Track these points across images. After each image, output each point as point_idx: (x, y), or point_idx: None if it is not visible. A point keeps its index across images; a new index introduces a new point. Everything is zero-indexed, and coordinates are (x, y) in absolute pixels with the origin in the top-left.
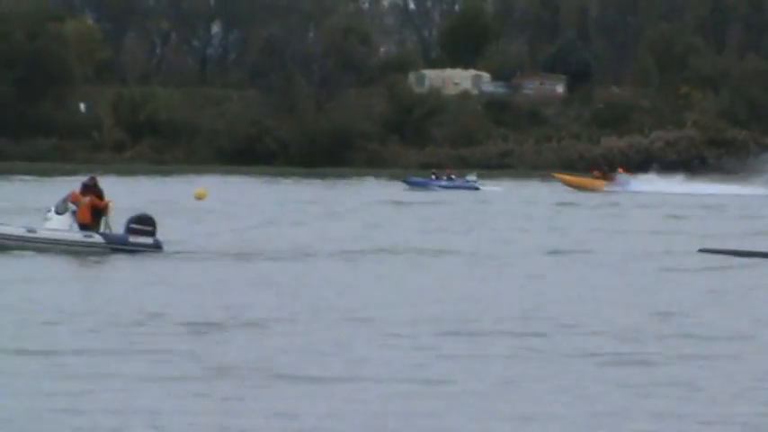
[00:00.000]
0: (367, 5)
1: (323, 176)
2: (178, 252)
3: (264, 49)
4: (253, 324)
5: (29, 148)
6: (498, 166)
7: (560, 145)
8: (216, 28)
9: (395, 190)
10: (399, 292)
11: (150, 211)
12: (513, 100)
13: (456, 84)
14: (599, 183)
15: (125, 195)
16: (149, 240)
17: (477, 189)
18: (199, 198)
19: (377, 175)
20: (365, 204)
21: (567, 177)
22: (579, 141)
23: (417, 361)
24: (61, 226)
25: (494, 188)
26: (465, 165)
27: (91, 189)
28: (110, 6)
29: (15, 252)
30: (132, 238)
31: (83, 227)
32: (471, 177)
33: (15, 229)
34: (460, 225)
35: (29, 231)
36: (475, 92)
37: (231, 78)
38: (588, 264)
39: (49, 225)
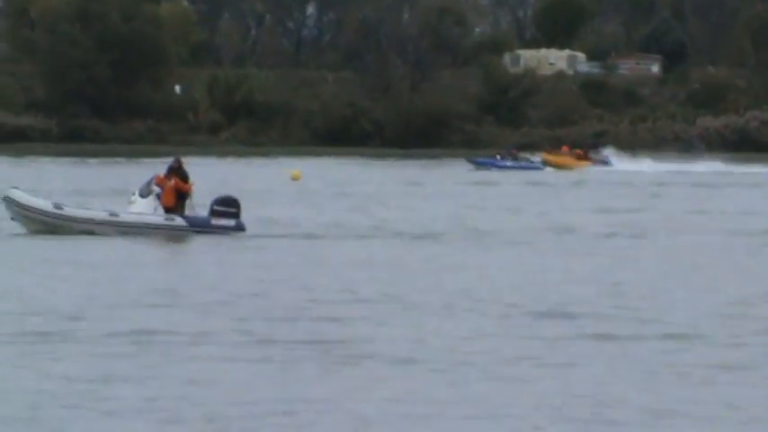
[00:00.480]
0: None
1: (418, 157)
2: (270, 234)
3: (359, 31)
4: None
5: (125, 131)
6: (593, 146)
7: (655, 125)
8: (311, 9)
9: (479, 172)
10: (534, 275)
11: (246, 193)
12: (608, 80)
13: (551, 64)
14: (582, 162)
15: (220, 177)
16: (231, 222)
17: (540, 169)
18: (294, 179)
19: (471, 157)
20: (458, 184)
21: (552, 158)
22: (674, 121)
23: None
24: (145, 209)
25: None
26: (560, 144)
27: (176, 172)
28: None
29: (99, 236)
30: (214, 221)
31: (167, 210)
32: (535, 158)
33: (98, 213)
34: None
35: (111, 215)
36: (570, 72)
37: (326, 60)
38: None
39: (133, 209)
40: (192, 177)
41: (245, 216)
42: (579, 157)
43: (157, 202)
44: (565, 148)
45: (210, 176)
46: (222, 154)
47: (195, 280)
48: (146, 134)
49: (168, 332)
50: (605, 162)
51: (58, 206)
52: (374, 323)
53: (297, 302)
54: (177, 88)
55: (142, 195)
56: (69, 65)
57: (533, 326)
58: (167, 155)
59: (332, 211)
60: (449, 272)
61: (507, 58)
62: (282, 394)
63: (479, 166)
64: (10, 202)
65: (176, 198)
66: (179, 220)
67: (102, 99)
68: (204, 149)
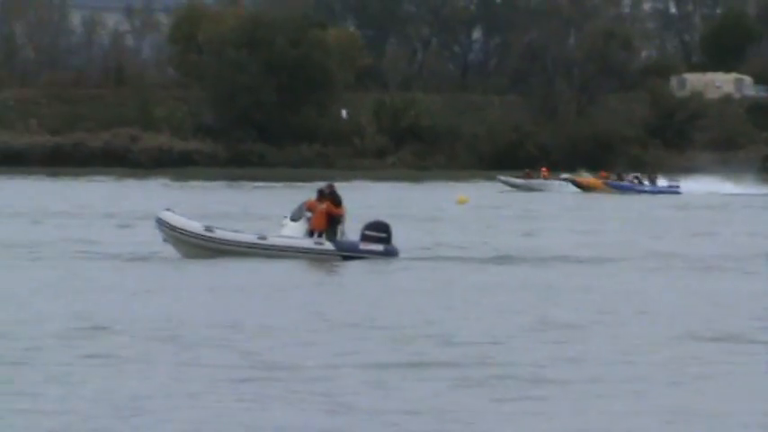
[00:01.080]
0: (628, 10)
1: None
2: (428, 257)
3: (525, 55)
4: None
5: (292, 155)
6: (763, 169)
7: None
8: (477, 33)
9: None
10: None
11: (411, 217)
12: None
13: (718, 87)
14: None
15: (385, 201)
16: (380, 248)
17: (678, 193)
18: (461, 203)
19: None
20: (632, 210)
21: (580, 179)
22: None
23: None
24: (296, 233)
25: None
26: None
27: (327, 196)
28: (371, 13)
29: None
30: (363, 246)
31: (318, 233)
32: (674, 182)
33: (247, 236)
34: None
35: (260, 239)
36: (737, 96)
37: (492, 84)
38: None
39: (283, 232)
40: (348, 202)
41: (410, 239)
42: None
43: (308, 226)
44: (603, 174)
45: (376, 200)
46: (388, 178)
47: (352, 304)
48: (312, 158)
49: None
50: (622, 187)
51: (209, 229)
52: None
53: (477, 329)
54: (343, 113)
55: (293, 219)
56: (236, 89)
57: None
58: (333, 179)
59: (502, 234)
60: (659, 300)
61: (674, 81)
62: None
63: (617, 190)
64: (162, 223)
65: (327, 222)
66: (327, 245)
67: (268, 123)
68: (370, 173)
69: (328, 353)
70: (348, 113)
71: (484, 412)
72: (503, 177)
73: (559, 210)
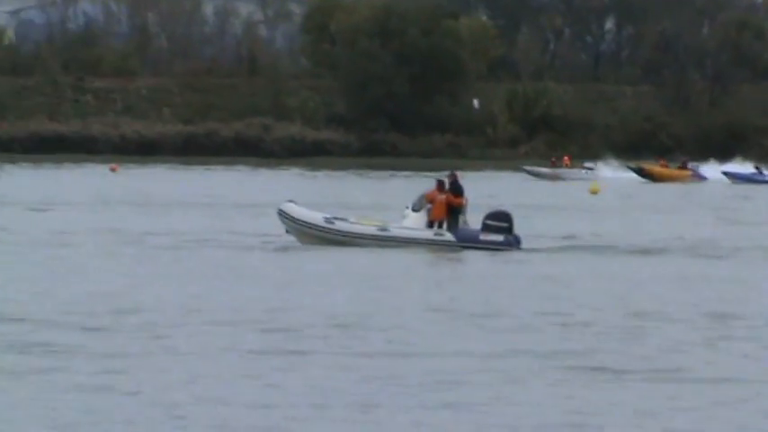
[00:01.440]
0: (761, 0)
1: None
2: (557, 247)
3: (658, 45)
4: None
5: (424, 145)
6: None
7: None
8: (609, 24)
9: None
10: None
11: (543, 207)
12: None
13: None
14: (684, 174)
15: (516, 190)
16: (500, 238)
17: None
18: (593, 193)
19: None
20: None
21: (657, 170)
22: None
23: None
24: (417, 224)
25: None
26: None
27: (449, 186)
28: (503, 3)
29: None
30: (483, 236)
31: (438, 224)
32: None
33: (367, 227)
34: None
35: (381, 230)
36: None
37: (624, 74)
38: None
39: (405, 222)
40: (479, 191)
41: (541, 228)
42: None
43: (427, 217)
44: (662, 163)
45: (508, 190)
46: (521, 168)
47: (476, 295)
48: (444, 148)
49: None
50: (701, 176)
51: (329, 220)
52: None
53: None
54: (475, 102)
55: (414, 210)
56: (368, 80)
57: None
58: (466, 169)
59: (635, 224)
60: None
61: None
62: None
63: (737, 180)
64: (284, 215)
65: (447, 212)
66: (447, 235)
67: (400, 113)
68: (503, 163)
69: (458, 343)
70: (480, 103)
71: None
72: (527, 167)
73: (712, 199)
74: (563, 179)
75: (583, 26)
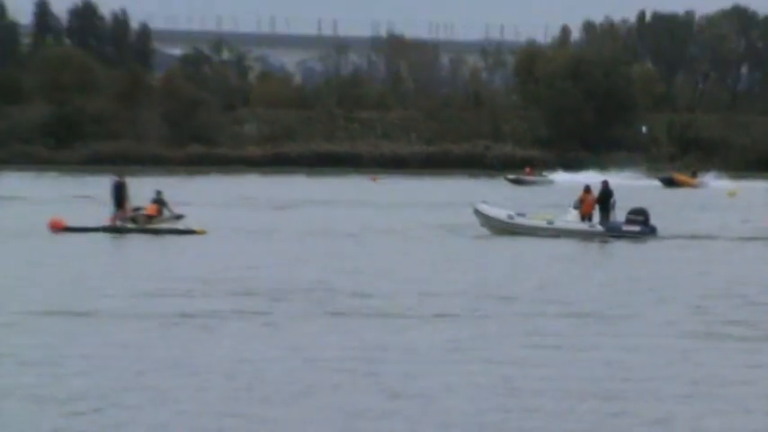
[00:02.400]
0: None
1: None
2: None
3: None
4: None
5: (605, 160)
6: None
7: None
8: (744, 69)
9: None
10: None
11: (685, 206)
12: None
13: None
14: (695, 181)
15: (670, 196)
16: (638, 228)
17: None
18: (731, 196)
19: None
20: None
21: (683, 178)
22: None
23: None
24: (574, 218)
25: None
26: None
27: (601, 190)
28: (664, 54)
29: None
30: (625, 227)
31: (588, 218)
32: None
33: (539, 222)
34: None
35: (548, 223)
36: None
37: (756, 106)
38: None
39: (566, 217)
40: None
41: (681, 224)
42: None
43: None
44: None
45: (661, 195)
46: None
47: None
48: (620, 163)
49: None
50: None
51: (510, 216)
52: None
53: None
54: (644, 128)
55: (575, 208)
56: (564, 111)
57: None
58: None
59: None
60: None
61: None
62: None
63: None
64: (478, 213)
65: (598, 209)
66: (598, 227)
67: (588, 136)
68: (662, 174)
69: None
70: (647, 129)
71: None
72: (509, 176)
73: None
74: (530, 184)
75: (724, 71)
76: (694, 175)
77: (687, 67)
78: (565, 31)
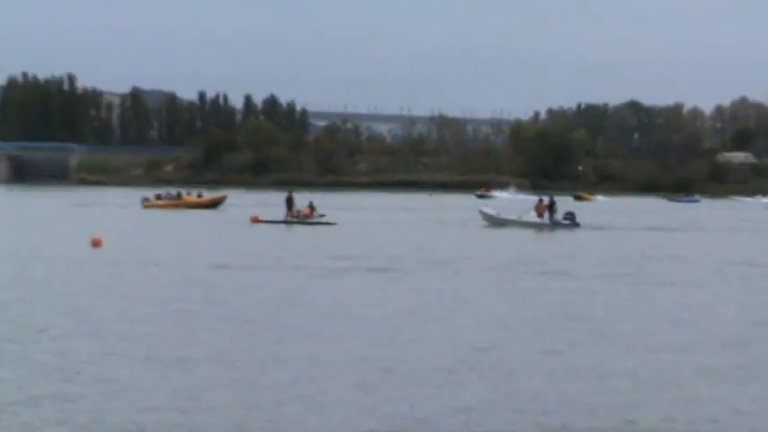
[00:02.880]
0: None
1: None
2: None
3: None
4: None
5: (556, 186)
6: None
7: None
8: None
9: None
10: None
11: None
12: None
13: None
14: (592, 197)
15: None
16: (568, 222)
17: None
18: (627, 205)
19: None
20: None
21: (585, 195)
22: None
23: None
24: (534, 217)
25: None
26: None
27: (549, 201)
28: (593, 126)
29: None
30: (562, 222)
31: (541, 216)
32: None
33: (514, 217)
34: None
35: (518, 218)
36: None
37: None
38: None
39: (529, 216)
40: None
41: (590, 221)
42: None
43: None
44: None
45: (575, 205)
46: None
47: None
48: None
49: None
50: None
51: (498, 214)
52: None
53: None
54: (580, 168)
55: (533, 210)
56: (535, 158)
57: None
58: None
59: None
60: None
61: None
62: None
63: None
64: (482, 213)
65: (546, 212)
66: (547, 221)
67: (548, 171)
68: (575, 192)
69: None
70: (582, 168)
71: None
72: (476, 192)
73: None
74: (489, 198)
75: (624, 135)
76: (592, 193)
77: (604, 133)
78: (536, 114)
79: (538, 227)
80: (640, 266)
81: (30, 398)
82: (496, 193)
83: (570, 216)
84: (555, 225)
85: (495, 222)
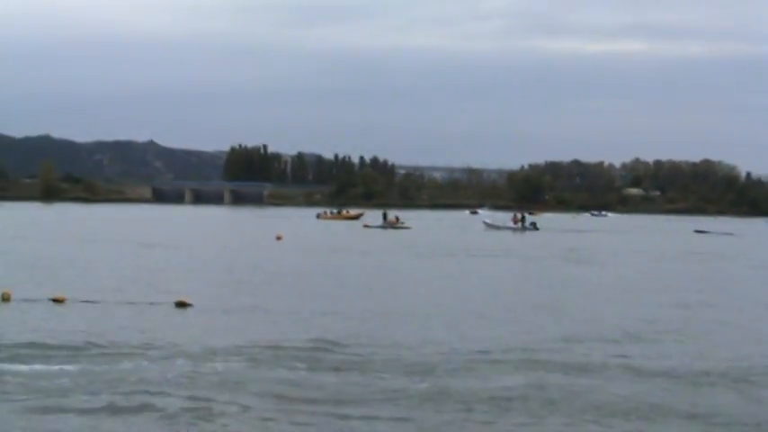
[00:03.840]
0: None
1: None
2: None
3: None
4: None
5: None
6: None
7: None
8: None
9: None
10: None
11: None
12: None
13: None
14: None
15: None
16: (532, 228)
17: None
18: (572, 219)
19: None
20: None
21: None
22: None
23: None
24: (513, 224)
25: None
26: None
27: (521, 215)
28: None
29: None
30: (529, 226)
31: (516, 224)
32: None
33: (501, 224)
34: None
35: (503, 224)
36: None
37: None
38: None
39: (509, 224)
40: None
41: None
42: None
43: None
44: (472, 211)
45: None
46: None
47: None
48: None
49: None
50: None
51: (493, 221)
52: None
53: None
54: (546, 196)
55: (512, 220)
56: (518, 194)
57: None
58: None
59: None
60: None
61: None
62: None
63: None
64: (485, 223)
65: (520, 221)
66: (520, 227)
67: (523, 203)
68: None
69: None
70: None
71: None
72: (467, 210)
73: None
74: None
75: (564, 182)
76: (543, 211)
77: (560, 178)
78: (522, 166)
79: (515, 230)
80: (573, 252)
81: None
82: (480, 211)
83: (533, 224)
84: (525, 230)
85: (492, 228)
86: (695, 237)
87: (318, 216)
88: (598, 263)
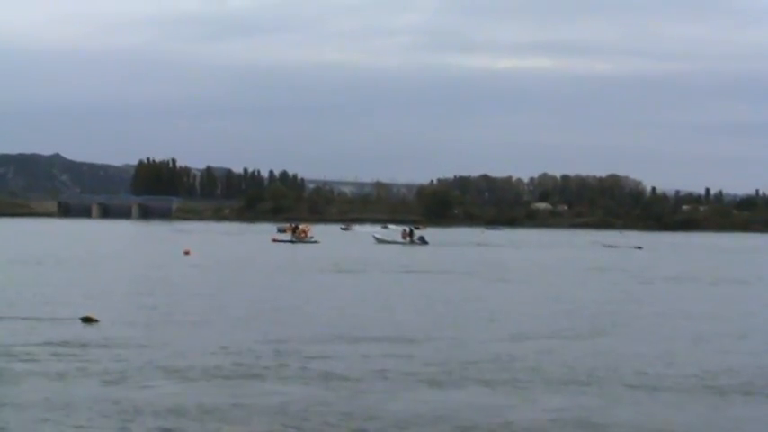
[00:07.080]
0: None
1: None
2: None
3: None
4: None
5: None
6: None
7: None
8: None
9: None
10: None
11: None
12: None
13: None
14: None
15: None
16: (421, 242)
17: None
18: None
19: None
20: None
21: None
22: None
23: None
24: (402, 238)
25: None
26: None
27: (410, 230)
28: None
29: None
30: (418, 241)
31: (405, 238)
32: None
33: (393, 238)
34: None
35: (393, 240)
36: None
37: None
38: None
39: (398, 238)
40: None
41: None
42: None
43: None
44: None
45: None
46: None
47: None
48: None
49: None
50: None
51: (383, 235)
52: None
53: None
54: (455, 210)
55: (401, 235)
56: (429, 212)
57: None
58: None
59: None
60: None
61: None
62: None
63: None
64: (376, 238)
65: (409, 236)
66: (410, 241)
67: (433, 220)
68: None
69: None
70: (458, 210)
71: None
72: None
73: None
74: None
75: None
76: (419, 227)
77: (469, 193)
78: (431, 181)
79: (404, 244)
80: (470, 267)
81: None
82: (357, 227)
83: (422, 238)
84: (415, 242)
85: (382, 242)
86: (605, 251)
87: (282, 231)
88: (502, 279)
